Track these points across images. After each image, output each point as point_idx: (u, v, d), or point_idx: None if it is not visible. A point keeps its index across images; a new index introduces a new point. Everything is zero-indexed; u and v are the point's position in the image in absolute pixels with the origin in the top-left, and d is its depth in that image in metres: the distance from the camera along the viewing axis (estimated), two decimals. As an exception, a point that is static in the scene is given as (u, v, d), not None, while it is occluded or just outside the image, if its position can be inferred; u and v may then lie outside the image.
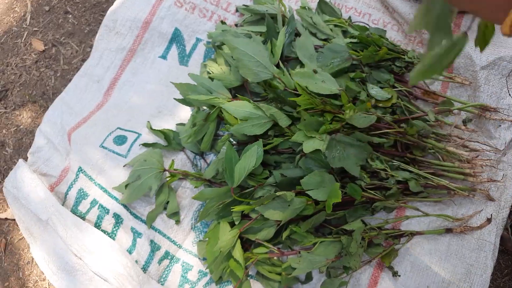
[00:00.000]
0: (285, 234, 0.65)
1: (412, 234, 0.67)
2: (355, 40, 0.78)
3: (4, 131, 0.95)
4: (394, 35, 0.86)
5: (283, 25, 0.81)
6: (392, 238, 0.67)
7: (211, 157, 0.79)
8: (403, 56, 0.77)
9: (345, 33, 0.83)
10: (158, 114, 0.84)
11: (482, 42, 0.41)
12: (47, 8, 1.10)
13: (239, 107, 0.70)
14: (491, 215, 0.67)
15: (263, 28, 0.81)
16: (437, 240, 0.67)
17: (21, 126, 0.95)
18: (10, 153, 0.92)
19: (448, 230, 0.67)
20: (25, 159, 0.85)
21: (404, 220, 0.69)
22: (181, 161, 0.77)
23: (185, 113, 0.84)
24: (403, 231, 0.67)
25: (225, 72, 0.80)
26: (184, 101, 0.76)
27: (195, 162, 0.79)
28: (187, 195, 0.75)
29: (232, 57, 0.75)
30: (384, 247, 0.67)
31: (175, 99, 0.76)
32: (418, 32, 0.84)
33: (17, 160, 0.90)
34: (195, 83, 0.75)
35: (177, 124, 0.81)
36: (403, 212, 0.70)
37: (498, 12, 0.30)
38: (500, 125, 0.74)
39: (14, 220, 0.84)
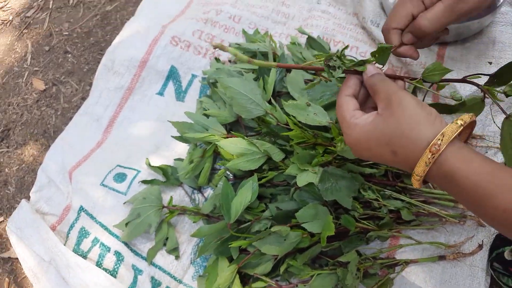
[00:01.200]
0: (282, 268, 0.66)
1: (406, 262, 0.69)
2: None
3: (6, 170, 0.98)
4: (381, 67, 0.89)
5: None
6: (387, 267, 0.69)
7: (208, 191, 0.81)
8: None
9: (333, 67, 0.86)
10: (156, 150, 0.87)
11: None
12: (47, 48, 1.15)
13: (234, 144, 0.72)
14: (482, 241, 0.68)
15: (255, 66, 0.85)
16: (431, 267, 0.69)
17: (23, 165, 0.97)
18: (12, 191, 0.94)
19: (441, 257, 0.69)
20: (27, 198, 0.87)
21: (398, 248, 0.71)
22: (179, 196, 0.79)
23: (182, 148, 0.87)
24: (397, 260, 0.69)
25: (220, 108, 0.83)
26: (181, 138, 0.79)
27: (193, 196, 0.81)
28: (185, 229, 0.77)
29: (226, 94, 0.78)
30: (380, 276, 0.68)
31: (172, 136, 0.79)
32: (403, 63, 0.88)
33: (20, 199, 0.92)
34: (192, 121, 0.78)
35: (175, 159, 0.84)
36: (397, 241, 0.72)
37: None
38: (486, 152, 0.76)
39: (17, 259, 0.85)
